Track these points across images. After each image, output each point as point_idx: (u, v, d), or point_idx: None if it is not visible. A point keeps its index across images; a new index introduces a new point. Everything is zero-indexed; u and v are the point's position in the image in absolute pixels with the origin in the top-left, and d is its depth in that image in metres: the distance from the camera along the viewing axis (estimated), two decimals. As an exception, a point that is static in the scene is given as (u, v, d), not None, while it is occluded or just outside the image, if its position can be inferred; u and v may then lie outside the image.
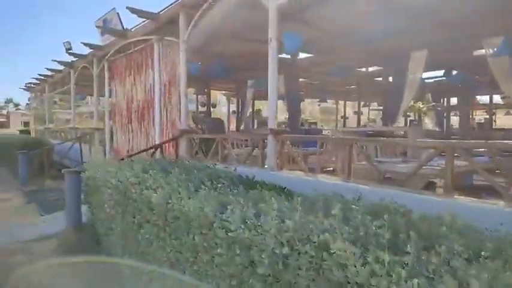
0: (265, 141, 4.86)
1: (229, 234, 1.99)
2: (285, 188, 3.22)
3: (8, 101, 69.70)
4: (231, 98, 21.00)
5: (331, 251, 1.47)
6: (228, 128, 17.67)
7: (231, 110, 21.68)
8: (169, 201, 2.62)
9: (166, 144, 7.05)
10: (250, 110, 18.93)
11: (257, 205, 2.13)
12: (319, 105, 32.88)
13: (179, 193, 2.62)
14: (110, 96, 10.21)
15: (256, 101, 19.18)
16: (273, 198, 1.91)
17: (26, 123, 39.82)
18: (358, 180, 3.56)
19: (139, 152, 6.40)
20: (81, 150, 10.90)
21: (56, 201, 8.04)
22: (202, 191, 2.60)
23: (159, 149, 6.57)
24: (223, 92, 20.76)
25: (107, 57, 9.95)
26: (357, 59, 12.41)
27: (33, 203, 7.95)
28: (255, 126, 20.72)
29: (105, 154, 10.27)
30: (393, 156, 5.57)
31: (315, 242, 1.57)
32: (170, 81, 7.16)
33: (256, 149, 5.29)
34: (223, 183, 2.87)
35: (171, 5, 6.92)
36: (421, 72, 10.80)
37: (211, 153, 6.09)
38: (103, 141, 11.38)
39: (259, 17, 6.53)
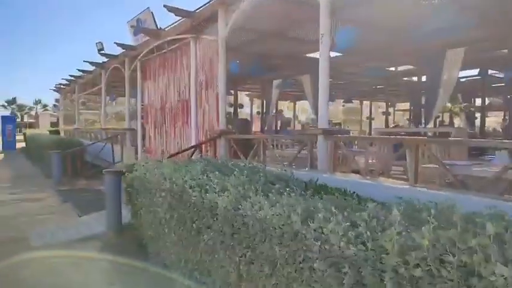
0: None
1: (325, 247, 1.76)
2: (354, 192, 2.96)
3: (37, 102, 72.05)
4: (254, 99, 20.82)
5: (484, 276, 1.22)
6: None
7: (254, 111, 21.50)
8: (240, 206, 2.41)
9: (203, 145, 6.90)
10: (274, 110, 18.67)
11: (349, 213, 1.89)
12: (343, 105, 32.28)
13: (249, 197, 2.41)
14: (142, 97, 10.18)
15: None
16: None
17: (54, 124, 40.92)
18: (429, 185, 3.26)
19: (178, 153, 6.26)
20: (112, 151, 10.92)
21: (91, 202, 8.03)
22: (274, 195, 2.38)
23: (197, 149, 6.41)
24: (247, 92, 20.60)
25: (139, 57, 9.93)
26: (391, 58, 11.98)
27: (69, 203, 7.96)
28: (278, 127, 20.48)
29: (136, 154, 10.24)
30: (448, 158, 5.21)
31: (450, 263, 1.32)
32: (208, 80, 7.01)
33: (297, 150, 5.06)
34: (292, 188, 2.64)
35: (209, 2, 6.77)
36: (457, 71, 10.35)
37: (251, 154, 5.88)
38: (134, 141, 11.41)
39: (302, 13, 6.30)
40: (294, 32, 8.21)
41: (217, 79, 6.72)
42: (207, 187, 2.83)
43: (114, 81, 14.41)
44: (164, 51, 8.79)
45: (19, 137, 25.08)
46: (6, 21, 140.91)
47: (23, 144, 23.26)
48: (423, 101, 17.29)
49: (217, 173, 2.99)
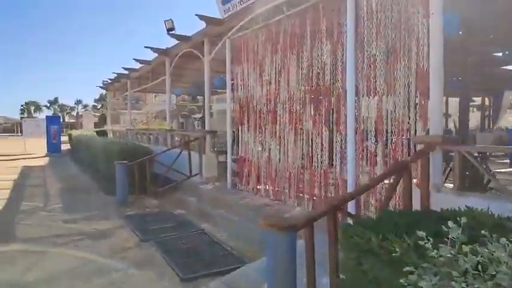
0: None
1: None
2: None
3: (78, 102, 72.36)
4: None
5: None
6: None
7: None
8: None
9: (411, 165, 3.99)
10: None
11: None
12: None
13: None
14: (232, 88, 7.49)
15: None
16: None
17: (96, 124, 39.69)
18: None
19: (376, 183, 3.40)
20: (190, 161, 8.31)
21: (180, 241, 5.37)
22: None
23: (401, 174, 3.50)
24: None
25: (230, 33, 7.22)
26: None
27: (151, 243, 5.34)
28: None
29: (226, 166, 7.56)
30: None
31: None
32: (393, 49, 4.12)
33: None
34: None
35: None
36: None
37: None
38: (216, 147, 8.79)
39: None
40: None
41: (418, 42, 3.83)
42: None
43: (178, 74, 11.94)
44: (277, 19, 6.01)
45: (63, 138, 23.45)
46: (45, 19, 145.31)
47: (67, 146, 21.52)
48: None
49: None
